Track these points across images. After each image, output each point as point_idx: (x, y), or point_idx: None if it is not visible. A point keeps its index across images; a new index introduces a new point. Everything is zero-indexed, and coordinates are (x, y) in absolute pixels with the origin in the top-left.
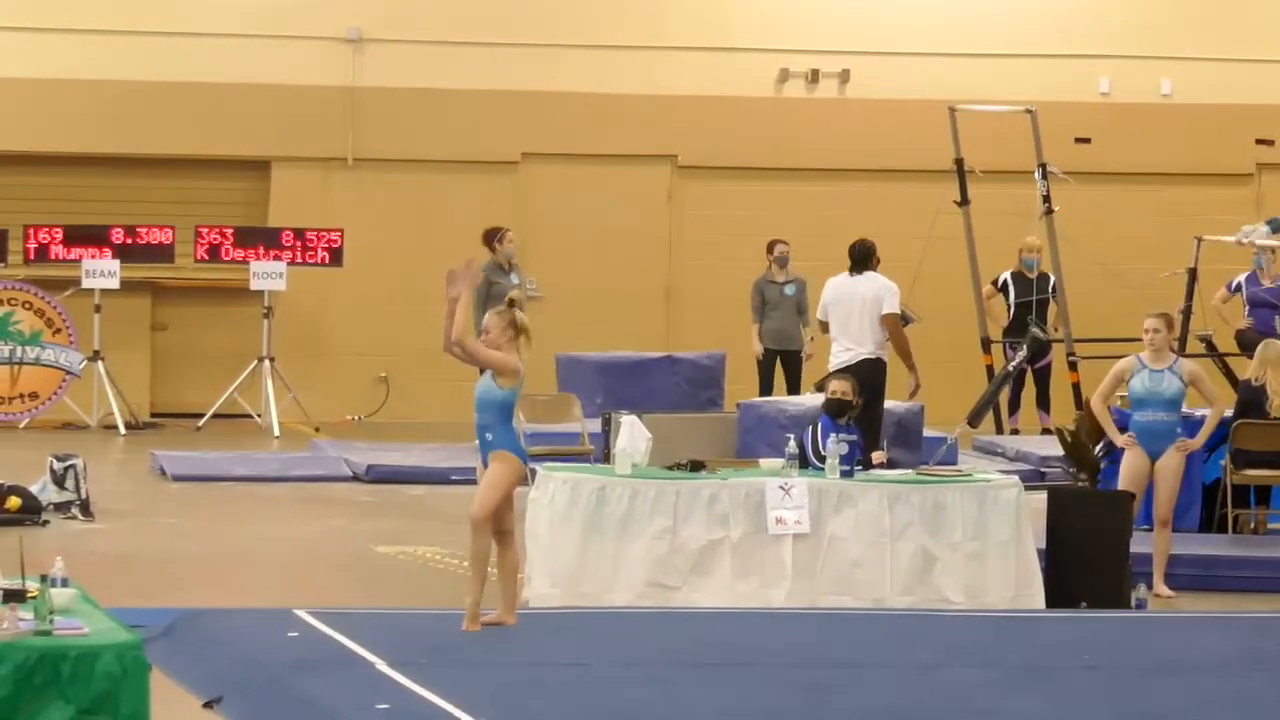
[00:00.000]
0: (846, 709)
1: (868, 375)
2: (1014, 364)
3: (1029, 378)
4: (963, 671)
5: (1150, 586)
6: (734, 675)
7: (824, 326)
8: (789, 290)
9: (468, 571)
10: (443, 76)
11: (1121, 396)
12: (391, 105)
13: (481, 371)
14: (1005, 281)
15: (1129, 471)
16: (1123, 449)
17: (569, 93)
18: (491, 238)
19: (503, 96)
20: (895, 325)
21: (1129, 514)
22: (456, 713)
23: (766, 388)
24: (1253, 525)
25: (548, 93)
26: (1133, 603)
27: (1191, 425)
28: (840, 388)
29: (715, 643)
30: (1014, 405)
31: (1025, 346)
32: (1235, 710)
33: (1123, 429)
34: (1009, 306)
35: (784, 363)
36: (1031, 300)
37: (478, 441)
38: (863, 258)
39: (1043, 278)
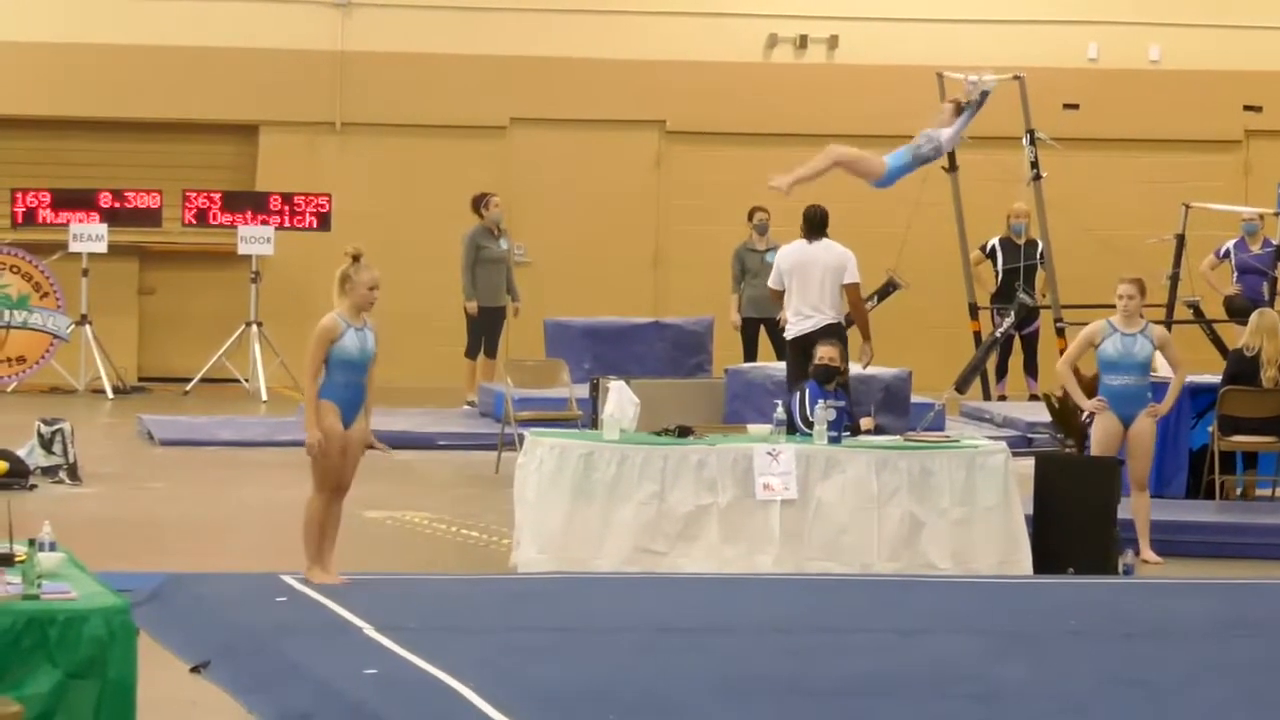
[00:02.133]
0: (833, 674)
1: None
2: (1002, 330)
3: (1016, 344)
4: (949, 637)
5: (1137, 552)
6: (721, 641)
7: (776, 294)
8: (770, 258)
9: (307, 537)
10: (431, 41)
11: None
12: (380, 70)
13: (359, 328)
14: (993, 248)
15: (1102, 436)
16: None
17: (557, 58)
18: (479, 203)
19: (491, 61)
20: (857, 295)
21: (1116, 480)
22: (444, 678)
23: (750, 356)
24: (1239, 491)
25: (536, 58)
26: (1120, 568)
27: (1158, 389)
28: (828, 353)
29: (702, 608)
30: (1001, 371)
31: (1013, 313)
32: (1222, 676)
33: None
34: (996, 273)
35: (768, 330)
36: (1019, 266)
37: (348, 400)
38: (820, 224)
39: (1030, 244)
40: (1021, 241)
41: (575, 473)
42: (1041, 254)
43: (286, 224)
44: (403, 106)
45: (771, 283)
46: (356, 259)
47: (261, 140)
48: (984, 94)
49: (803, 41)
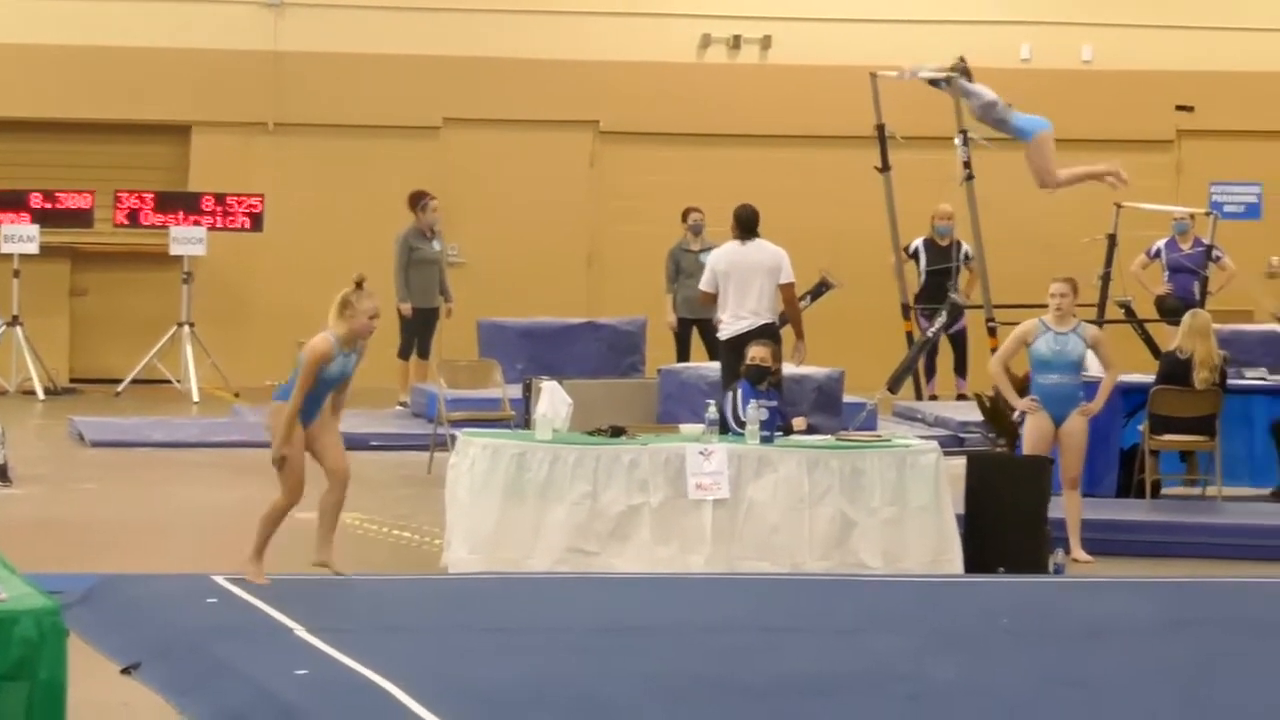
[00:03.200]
0: (766, 674)
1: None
2: (933, 331)
3: (944, 344)
4: (882, 636)
5: (1068, 551)
6: (654, 641)
7: (708, 297)
8: (704, 258)
9: (261, 530)
10: (365, 41)
11: None
12: (313, 70)
13: (347, 353)
14: (917, 249)
15: (1034, 435)
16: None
17: (491, 58)
18: (416, 202)
19: (425, 61)
20: (792, 294)
21: (1047, 479)
22: (375, 678)
23: (684, 356)
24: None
25: (470, 58)
26: (1051, 568)
27: (1089, 389)
28: (760, 354)
29: (635, 608)
30: (930, 371)
31: (945, 313)
32: (1154, 674)
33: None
34: (920, 273)
35: (701, 331)
36: (948, 267)
37: (312, 406)
38: (752, 224)
39: (955, 245)
40: (946, 243)
41: (507, 473)
42: (967, 255)
43: (219, 225)
44: (336, 107)
45: (704, 285)
46: (359, 285)
47: (194, 140)
48: (934, 80)
49: (736, 42)
